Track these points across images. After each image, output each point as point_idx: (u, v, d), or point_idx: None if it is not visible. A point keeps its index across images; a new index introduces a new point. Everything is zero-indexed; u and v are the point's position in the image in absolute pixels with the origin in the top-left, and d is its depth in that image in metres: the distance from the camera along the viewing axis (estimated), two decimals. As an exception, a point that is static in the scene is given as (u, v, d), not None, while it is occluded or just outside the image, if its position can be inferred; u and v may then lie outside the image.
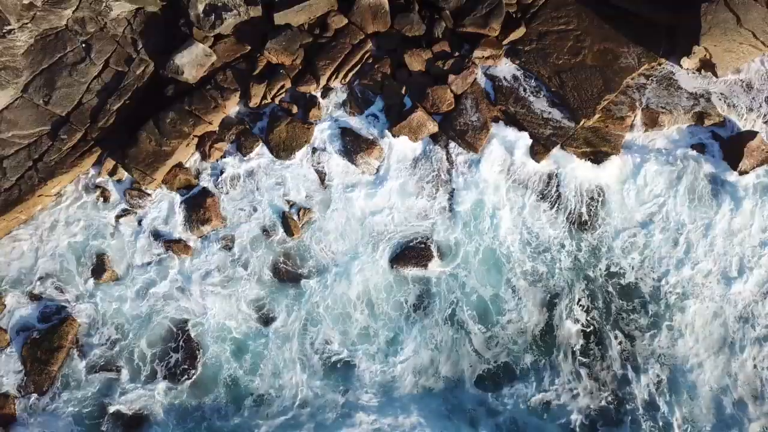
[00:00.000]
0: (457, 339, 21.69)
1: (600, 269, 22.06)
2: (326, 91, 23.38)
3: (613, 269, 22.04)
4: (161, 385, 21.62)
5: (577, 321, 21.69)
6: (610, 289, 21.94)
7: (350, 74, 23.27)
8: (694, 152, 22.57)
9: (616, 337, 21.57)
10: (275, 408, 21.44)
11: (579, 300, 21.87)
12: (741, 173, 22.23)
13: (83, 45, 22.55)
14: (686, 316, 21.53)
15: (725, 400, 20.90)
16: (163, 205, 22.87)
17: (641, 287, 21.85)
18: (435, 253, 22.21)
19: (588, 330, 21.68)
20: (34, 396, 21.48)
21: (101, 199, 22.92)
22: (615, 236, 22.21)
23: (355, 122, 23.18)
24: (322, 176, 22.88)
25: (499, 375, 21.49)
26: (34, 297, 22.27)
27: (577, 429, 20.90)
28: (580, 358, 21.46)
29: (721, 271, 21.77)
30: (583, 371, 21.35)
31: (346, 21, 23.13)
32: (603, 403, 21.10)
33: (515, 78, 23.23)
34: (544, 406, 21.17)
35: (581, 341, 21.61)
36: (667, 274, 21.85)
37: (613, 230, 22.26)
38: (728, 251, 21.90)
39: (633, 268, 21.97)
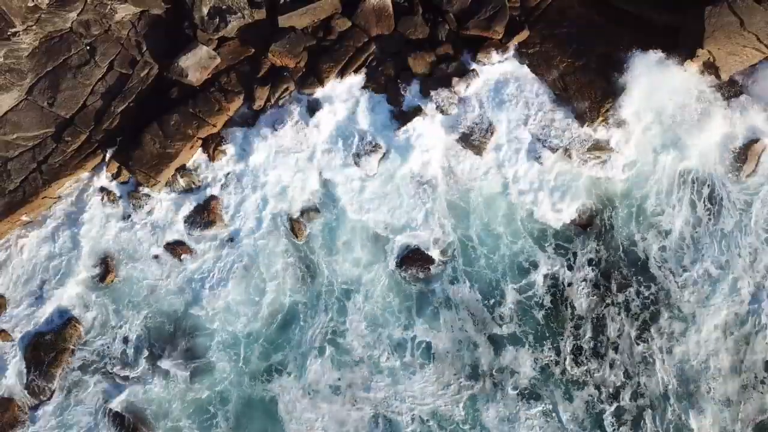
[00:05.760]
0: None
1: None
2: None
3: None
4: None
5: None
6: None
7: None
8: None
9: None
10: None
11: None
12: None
13: (87, 47, 22.58)
14: None
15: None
16: (166, 207, 22.82)
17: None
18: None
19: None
20: (37, 399, 21.57)
21: (105, 201, 22.87)
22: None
23: (359, 124, 23.18)
24: (326, 178, 22.89)
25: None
26: (37, 299, 22.24)
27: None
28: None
29: None
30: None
31: (349, 24, 23.14)
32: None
33: (519, 80, 23.22)
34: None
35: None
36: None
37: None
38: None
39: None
